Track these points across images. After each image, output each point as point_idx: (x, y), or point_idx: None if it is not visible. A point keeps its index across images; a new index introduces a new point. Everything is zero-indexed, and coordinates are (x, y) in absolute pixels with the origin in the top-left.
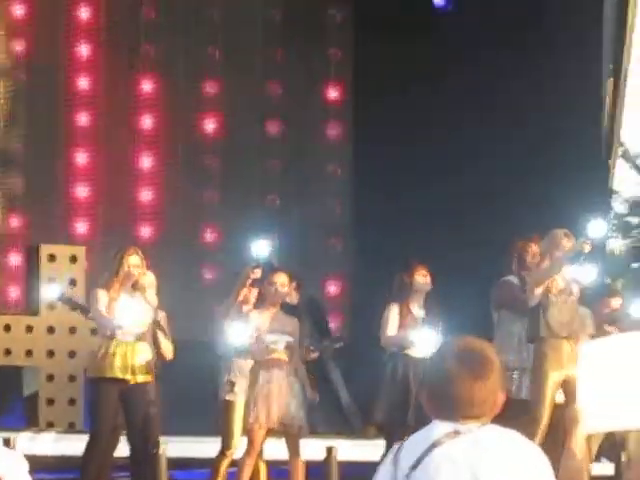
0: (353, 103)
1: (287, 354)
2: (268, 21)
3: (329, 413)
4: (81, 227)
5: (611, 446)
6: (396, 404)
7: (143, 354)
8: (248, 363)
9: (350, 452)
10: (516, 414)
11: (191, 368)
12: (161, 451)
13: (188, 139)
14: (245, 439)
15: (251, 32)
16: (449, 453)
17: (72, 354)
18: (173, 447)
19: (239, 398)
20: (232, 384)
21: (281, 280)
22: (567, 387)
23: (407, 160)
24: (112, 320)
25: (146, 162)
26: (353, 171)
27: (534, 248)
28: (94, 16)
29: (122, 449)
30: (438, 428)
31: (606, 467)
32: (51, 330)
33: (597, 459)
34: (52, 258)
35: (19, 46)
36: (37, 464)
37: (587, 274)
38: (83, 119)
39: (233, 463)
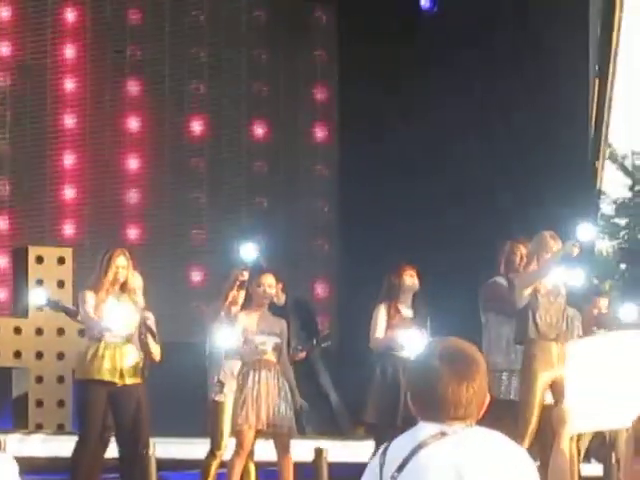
0: (339, 104)
1: (275, 355)
2: (253, 22)
3: (318, 414)
4: (68, 229)
5: (600, 446)
6: (385, 405)
7: (131, 356)
8: (237, 364)
9: (339, 453)
10: (505, 415)
11: (178, 369)
12: (150, 452)
13: (174, 140)
14: (234, 440)
15: (236, 33)
16: (435, 454)
17: (61, 356)
18: (162, 448)
19: (228, 399)
20: (222, 385)
21: (268, 281)
22: (555, 388)
23: (393, 161)
24: (100, 322)
25: (132, 164)
26: (339, 172)
27: (522, 250)
28: (80, 18)
29: (112, 451)
30: (424, 429)
31: (595, 468)
32: (39, 332)
33: (586, 459)
34: (40, 260)
35: (4, 48)
36: (26, 466)
37: (575, 276)
38: (69, 121)
39: (223, 464)
